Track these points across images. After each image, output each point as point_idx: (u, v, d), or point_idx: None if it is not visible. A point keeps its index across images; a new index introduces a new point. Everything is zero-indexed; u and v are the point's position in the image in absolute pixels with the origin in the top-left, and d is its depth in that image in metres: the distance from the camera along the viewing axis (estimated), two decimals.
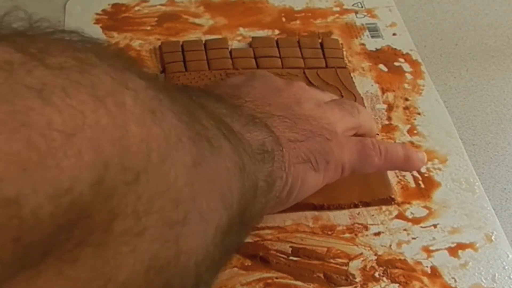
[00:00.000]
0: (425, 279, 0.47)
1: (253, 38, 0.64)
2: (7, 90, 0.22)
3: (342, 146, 0.43)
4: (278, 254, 0.47)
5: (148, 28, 0.65)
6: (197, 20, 0.67)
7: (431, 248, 0.49)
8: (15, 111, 0.21)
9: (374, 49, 0.65)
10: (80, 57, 0.25)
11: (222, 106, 0.38)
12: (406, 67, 0.63)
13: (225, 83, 0.48)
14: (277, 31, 0.66)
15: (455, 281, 0.47)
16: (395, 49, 0.65)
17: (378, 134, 0.56)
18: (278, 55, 0.62)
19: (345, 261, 0.47)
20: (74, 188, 0.23)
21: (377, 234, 0.49)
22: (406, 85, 0.61)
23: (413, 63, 0.64)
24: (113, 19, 0.66)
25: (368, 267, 0.47)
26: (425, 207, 0.51)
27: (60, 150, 0.22)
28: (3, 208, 0.20)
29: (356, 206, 0.51)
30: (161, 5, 0.68)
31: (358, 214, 0.50)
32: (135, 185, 0.25)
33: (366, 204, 0.51)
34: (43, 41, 0.25)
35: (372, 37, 0.66)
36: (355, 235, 0.49)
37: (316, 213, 0.50)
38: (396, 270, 0.47)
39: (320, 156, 0.42)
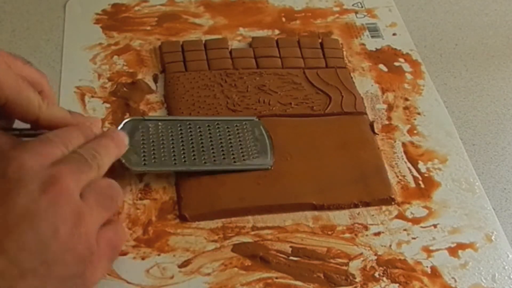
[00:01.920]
0: (425, 279, 0.47)
1: (253, 38, 0.64)
2: None
3: (95, 266, 0.42)
4: (278, 254, 0.47)
5: (148, 28, 0.65)
6: (197, 20, 0.67)
7: (431, 248, 0.49)
8: None
9: (374, 49, 0.65)
10: None
11: None
12: (406, 67, 0.63)
13: None
14: (277, 31, 0.66)
15: (455, 281, 0.47)
16: (395, 49, 0.65)
17: (378, 134, 0.56)
18: (278, 55, 0.62)
19: (345, 261, 0.47)
20: None
21: (377, 234, 0.49)
22: (406, 85, 0.61)
23: (413, 63, 0.64)
24: (113, 19, 0.66)
25: (368, 267, 0.47)
26: (425, 207, 0.51)
27: None
28: None
29: (356, 206, 0.51)
30: (161, 5, 0.68)
31: (358, 214, 0.50)
32: None
33: (366, 204, 0.51)
34: None
35: (372, 37, 0.66)
36: (355, 235, 0.49)
37: (316, 213, 0.50)
38: (396, 270, 0.47)
39: None
